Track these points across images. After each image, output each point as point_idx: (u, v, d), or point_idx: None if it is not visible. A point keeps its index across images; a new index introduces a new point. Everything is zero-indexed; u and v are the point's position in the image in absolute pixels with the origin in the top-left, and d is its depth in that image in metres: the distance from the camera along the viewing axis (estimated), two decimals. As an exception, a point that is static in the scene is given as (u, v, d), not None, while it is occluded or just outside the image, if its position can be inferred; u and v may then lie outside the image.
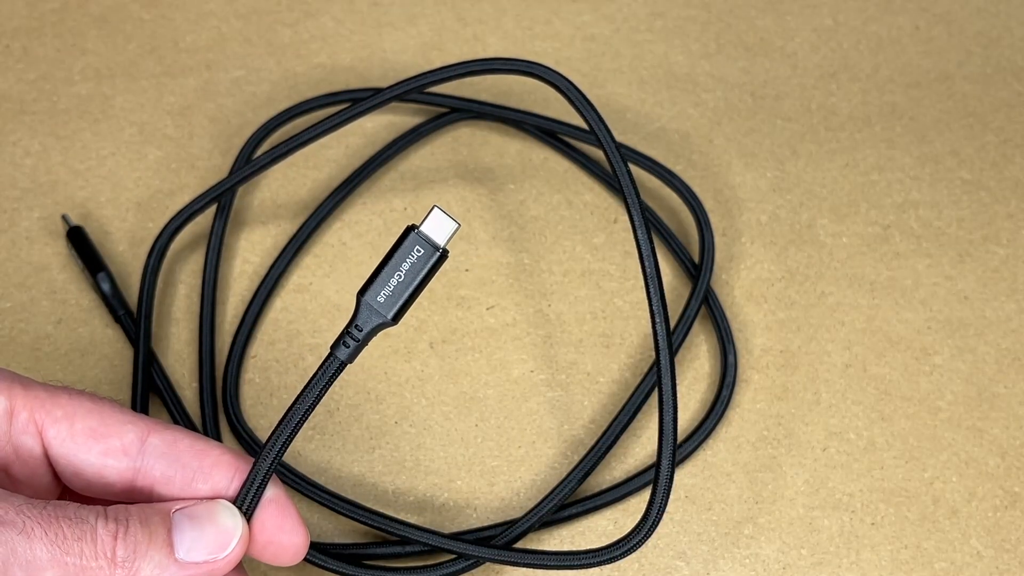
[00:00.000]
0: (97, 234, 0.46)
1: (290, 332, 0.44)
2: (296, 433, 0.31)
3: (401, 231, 0.31)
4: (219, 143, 0.49)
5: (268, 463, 0.31)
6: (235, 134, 0.50)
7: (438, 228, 0.31)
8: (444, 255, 0.31)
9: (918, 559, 0.40)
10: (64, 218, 0.46)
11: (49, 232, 0.46)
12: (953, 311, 0.46)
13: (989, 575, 0.40)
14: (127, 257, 0.46)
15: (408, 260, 0.31)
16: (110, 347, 0.43)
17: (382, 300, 0.31)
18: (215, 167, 0.49)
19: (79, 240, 0.45)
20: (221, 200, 0.46)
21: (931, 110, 0.53)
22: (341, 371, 0.31)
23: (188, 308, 0.45)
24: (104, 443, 0.30)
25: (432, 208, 0.31)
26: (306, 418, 0.31)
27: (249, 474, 0.31)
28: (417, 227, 0.31)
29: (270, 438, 0.31)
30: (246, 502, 0.31)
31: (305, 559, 0.37)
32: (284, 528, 0.32)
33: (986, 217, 0.49)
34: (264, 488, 0.31)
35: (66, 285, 0.45)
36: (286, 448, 0.31)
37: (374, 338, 0.31)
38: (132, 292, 0.45)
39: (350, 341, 0.31)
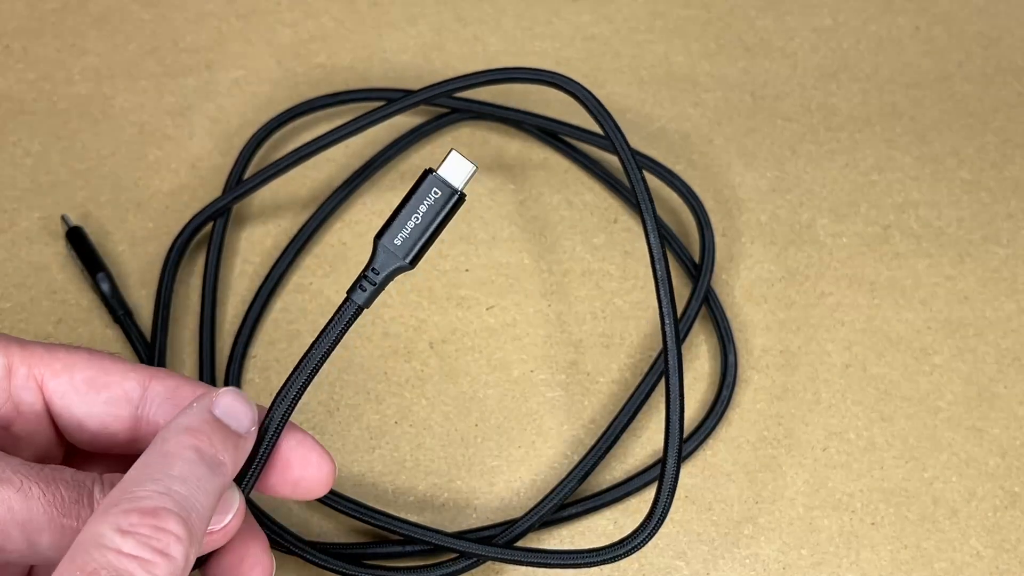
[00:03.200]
0: (97, 234, 0.46)
1: (290, 332, 0.44)
2: (312, 379, 0.30)
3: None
4: (219, 143, 0.49)
5: (284, 408, 0.30)
6: (235, 134, 0.50)
7: (455, 171, 0.31)
8: (462, 198, 0.31)
9: (918, 559, 0.40)
10: (64, 218, 0.46)
11: (49, 232, 0.46)
12: (953, 311, 0.46)
13: (989, 575, 0.40)
14: (127, 257, 0.46)
15: (425, 203, 0.31)
16: (110, 347, 0.43)
17: (399, 243, 0.30)
18: (215, 167, 0.49)
19: (79, 240, 0.45)
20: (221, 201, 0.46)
21: (931, 110, 0.53)
22: (358, 315, 0.31)
23: (188, 308, 0.45)
24: (105, 392, 0.30)
25: (450, 151, 0.31)
26: (322, 363, 0.30)
27: (264, 420, 0.30)
28: (434, 170, 0.31)
29: (286, 383, 0.30)
30: (260, 449, 0.30)
31: (305, 559, 0.38)
32: (310, 463, 0.31)
33: (986, 217, 0.49)
34: (279, 435, 0.30)
35: (66, 285, 0.45)
36: (303, 393, 0.30)
37: (389, 283, 0.31)
38: (132, 292, 0.45)
39: (367, 285, 0.30)
